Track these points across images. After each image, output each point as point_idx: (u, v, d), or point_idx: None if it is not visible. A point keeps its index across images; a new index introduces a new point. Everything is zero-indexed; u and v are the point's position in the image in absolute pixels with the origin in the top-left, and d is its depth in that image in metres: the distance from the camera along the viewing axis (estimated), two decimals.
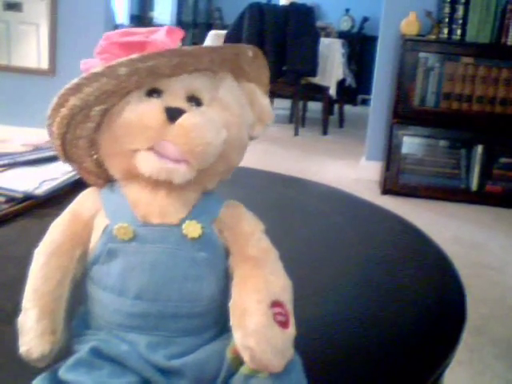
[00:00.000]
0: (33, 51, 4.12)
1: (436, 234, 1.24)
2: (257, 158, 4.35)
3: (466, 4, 3.50)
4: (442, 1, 3.57)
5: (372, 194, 3.59)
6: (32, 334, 0.59)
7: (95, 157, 0.65)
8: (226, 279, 0.62)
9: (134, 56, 0.56)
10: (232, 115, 0.62)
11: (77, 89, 0.57)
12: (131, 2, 7.27)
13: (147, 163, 0.58)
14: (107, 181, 0.65)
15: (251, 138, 0.67)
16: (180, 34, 0.63)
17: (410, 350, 0.79)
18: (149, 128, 0.57)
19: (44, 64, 4.10)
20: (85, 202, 0.64)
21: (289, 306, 0.59)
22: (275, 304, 0.58)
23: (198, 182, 0.61)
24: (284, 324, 0.58)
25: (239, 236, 0.63)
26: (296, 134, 5.36)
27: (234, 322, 0.58)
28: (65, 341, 0.61)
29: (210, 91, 0.61)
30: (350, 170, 4.20)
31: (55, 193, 1.22)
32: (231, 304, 0.59)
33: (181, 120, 0.57)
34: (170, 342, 0.60)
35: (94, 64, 0.60)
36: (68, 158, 0.65)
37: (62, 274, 0.61)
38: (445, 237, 2.88)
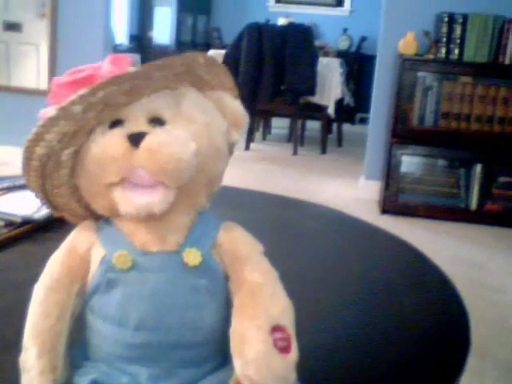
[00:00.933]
0: (32, 72, 4.12)
1: (435, 253, 1.23)
2: (256, 177, 4.35)
3: (464, 24, 3.52)
4: (440, 21, 3.59)
5: (371, 214, 3.59)
6: (33, 373, 0.59)
7: (83, 201, 0.64)
8: (228, 307, 0.61)
9: (83, 91, 0.56)
10: (199, 126, 0.61)
11: (38, 138, 0.57)
12: (130, 22, 7.32)
13: (124, 205, 0.57)
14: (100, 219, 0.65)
15: (232, 145, 0.66)
16: (127, 61, 0.62)
17: (414, 378, 0.78)
18: (115, 159, 0.56)
19: (43, 84, 4.11)
20: (80, 235, 0.63)
21: (290, 330, 0.58)
22: (276, 329, 0.57)
23: (186, 201, 0.61)
24: (285, 349, 0.57)
25: (237, 260, 0.62)
26: (295, 153, 5.37)
27: (233, 350, 0.58)
28: (66, 376, 0.61)
29: (171, 108, 0.61)
30: (349, 189, 4.19)
31: (54, 217, 1.20)
32: (231, 331, 0.59)
33: (144, 143, 0.56)
34: (171, 374, 0.59)
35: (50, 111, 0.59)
36: (57, 209, 0.65)
37: (60, 309, 0.61)
38: (444, 256, 2.86)
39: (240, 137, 0.67)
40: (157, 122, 0.59)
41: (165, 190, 0.57)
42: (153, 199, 0.57)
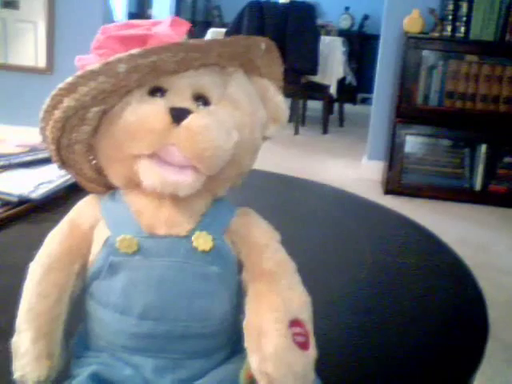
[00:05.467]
0: (30, 49, 4.07)
1: (440, 234, 1.20)
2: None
3: (470, 1, 3.45)
4: None
5: (374, 194, 3.55)
6: (27, 358, 0.54)
7: (94, 162, 0.60)
8: (239, 295, 0.57)
9: (135, 51, 0.51)
10: (244, 114, 0.57)
11: (71, 89, 0.52)
12: None
13: (150, 176, 0.52)
14: (108, 188, 0.60)
15: (264, 139, 0.62)
16: (186, 26, 0.57)
17: (434, 363, 0.75)
18: (152, 131, 0.51)
19: (41, 62, 4.05)
20: (83, 211, 0.59)
21: (309, 325, 0.54)
22: (294, 323, 0.53)
23: (207, 189, 0.56)
24: (304, 345, 0.52)
25: (253, 248, 0.57)
26: (296, 133, 5.32)
27: (249, 344, 0.53)
28: (63, 364, 0.56)
29: (218, 88, 0.56)
30: (352, 170, 4.15)
31: (52, 196, 1.17)
32: (246, 324, 0.54)
33: (187, 122, 0.51)
34: (177, 366, 0.55)
35: (90, 60, 0.54)
36: (64, 164, 0.60)
37: (59, 291, 0.56)
38: (449, 237, 2.80)
39: (275, 134, 0.62)
40: (201, 100, 0.55)
41: (196, 174, 0.53)
42: (183, 180, 0.52)
